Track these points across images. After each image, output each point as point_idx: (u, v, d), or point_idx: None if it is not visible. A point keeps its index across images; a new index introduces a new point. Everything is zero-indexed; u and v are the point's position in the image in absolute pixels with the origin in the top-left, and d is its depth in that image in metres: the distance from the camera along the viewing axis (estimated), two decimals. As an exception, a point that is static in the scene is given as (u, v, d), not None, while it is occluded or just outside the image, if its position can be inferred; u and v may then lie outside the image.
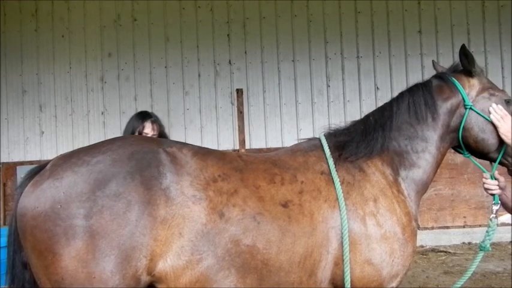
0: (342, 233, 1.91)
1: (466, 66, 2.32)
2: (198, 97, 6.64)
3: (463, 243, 6.32)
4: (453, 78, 2.34)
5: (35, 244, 1.68)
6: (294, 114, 6.64)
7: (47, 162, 1.90)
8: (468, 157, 2.37)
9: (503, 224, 6.21)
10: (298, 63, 6.68)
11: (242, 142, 6.44)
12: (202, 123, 6.59)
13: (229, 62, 6.66)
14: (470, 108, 2.25)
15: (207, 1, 6.66)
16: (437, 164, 2.30)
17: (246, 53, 6.67)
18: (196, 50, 6.65)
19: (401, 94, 2.40)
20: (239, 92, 6.53)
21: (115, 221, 1.66)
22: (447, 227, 6.42)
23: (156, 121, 3.26)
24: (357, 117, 6.58)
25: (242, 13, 6.67)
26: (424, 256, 5.76)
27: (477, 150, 2.31)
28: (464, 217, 6.45)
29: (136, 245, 1.68)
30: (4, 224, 6.35)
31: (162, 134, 3.31)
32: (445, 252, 5.92)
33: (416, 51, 6.66)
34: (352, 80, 6.68)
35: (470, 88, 2.31)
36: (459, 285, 2.22)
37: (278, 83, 6.65)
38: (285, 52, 6.67)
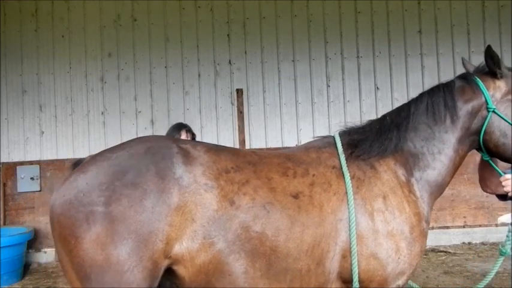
0: (350, 226, 1.96)
1: (492, 67, 2.23)
2: (198, 97, 6.64)
3: (463, 243, 6.32)
4: (478, 79, 2.25)
5: (61, 231, 1.83)
6: (294, 114, 6.64)
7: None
8: (488, 160, 2.32)
9: (503, 224, 6.21)
10: (298, 63, 6.68)
11: (242, 142, 6.44)
12: (202, 123, 6.59)
13: (229, 62, 6.66)
14: (494, 111, 2.18)
15: (207, 1, 6.66)
16: (455, 166, 2.27)
17: (246, 53, 6.67)
18: (196, 50, 6.65)
19: (421, 95, 2.34)
20: (239, 92, 6.53)
21: (132, 208, 1.80)
22: (447, 227, 6.42)
23: (189, 130, 3.90)
24: (357, 117, 6.52)
25: (242, 13, 6.67)
26: (424, 256, 5.76)
27: (497, 155, 2.27)
28: (464, 217, 6.45)
29: (153, 229, 1.80)
30: (4, 223, 6.35)
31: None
32: (445, 252, 5.92)
33: (416, 51, 6.66)
34: (352, 80, 6.68)
35: (495, 90, 2.22)
36: None
37: (278, 83, 6.65)
38: (285, 52, 6.67)
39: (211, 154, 2.03)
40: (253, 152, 2.22)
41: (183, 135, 3.79)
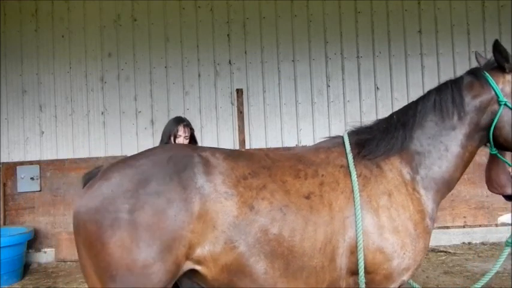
0: (356, 222, 2.03)
1: (500, 61, 2.20)
2: (198, 97, 6.64)
3: (463, 243, 6.32)
4: (486, 74, 2.23)
5: (87, 236, 1.91)
6: (294, 114, 6.64)
7: (98, 168, 2.20)
8: (495, 153, 2.29)
9: (503, 224, 6.22)
10: (298, 63, 6.68)
11: (242, 142, 6.44)
12: (202, 123, 6.59)
13: (229, 62, 6.66)
14: (505, 104, 2.16)
15: (207, 1, 6.66)
16: (464, 162, 2.27)
17: (246, 53, 6.67)
18: (196, 50, 6.65)
19: (429, 92, 2.34)
20: (239, 92, 6.53)
21: (156, 216, 1.89)
22: (447, 227, 6.42)
23: (188, 125, 3.82)
24: (357, 117, 6.49)
25: (242, 13, 6.67)
26: (424, 256, 5.76)
27: (507, 149, 2.26)
28: (464, 217, 6.45)
29: (176, 236, 1.90)
30: (4, 224, 6.35)
31: (192, 136, 3.85)
32: (445, 252, 5.92)
33: (416, 51, 6.66)
34: (352, 80, 6.68)
35: (504, 84, 2.20)
36: (480, 285, 2.27)
37: (278, 83, 6.65)
38: (285, 52, 6.67)
39: (229, 161, 2.12)
40: (266, 154, 2.29)
41: (181, 130, 3.75)
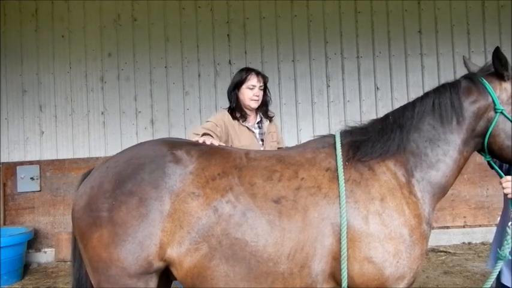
0: (340, 229, 1.93)
1: (499, 69, 2.16)
2: (198, 97, 6.64)
3: (463, 243, 6.32)
4: (484, 80, 2.19)
5: (78, 231, 2.11)
6: (294, 114, 6.64)
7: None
8: (489, 160, 2.28)
9: (503, 224, 6.21)
10: (298, 63, 6.68)
11: (242, 142, 6.44)
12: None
13: (229, 62, 6.66)
14: (501, 112, 2.12)
15: (207, 1, 6.66)
16: (459, 168, 2.22)
17: (246, 53, 6.66)
18: (196, 50, 6.65)
19: (426, 94, 2.28)
20: (239, 92, 6.52)
21: (130, 214, 2.00)
22: (447, 227, 6.42)
23: (259, 73, 3.33)
24: (357, 117, 6.51)
25: (242, 13, 6.67)
26: (424, 256, 5.76)
27: (500, 157, 2.22)
28: (464, 217, 6.45)
29: (147, 234, 1.98)
30: (4, 224, 6.35)
31: (266, 86, 3.38)
32: (445, 252, 5.92)
33: (416, 51, 6.66)
34: (352, 80, 6.67)
35: (501, 91, 2.17)
36: None
37: (278, 83, 6.65)
38: (285, 52, 6.66)
39: (203, 160, 2.13)
40: (247, 153, 2.23)
41: (254, 80, 3.26)
